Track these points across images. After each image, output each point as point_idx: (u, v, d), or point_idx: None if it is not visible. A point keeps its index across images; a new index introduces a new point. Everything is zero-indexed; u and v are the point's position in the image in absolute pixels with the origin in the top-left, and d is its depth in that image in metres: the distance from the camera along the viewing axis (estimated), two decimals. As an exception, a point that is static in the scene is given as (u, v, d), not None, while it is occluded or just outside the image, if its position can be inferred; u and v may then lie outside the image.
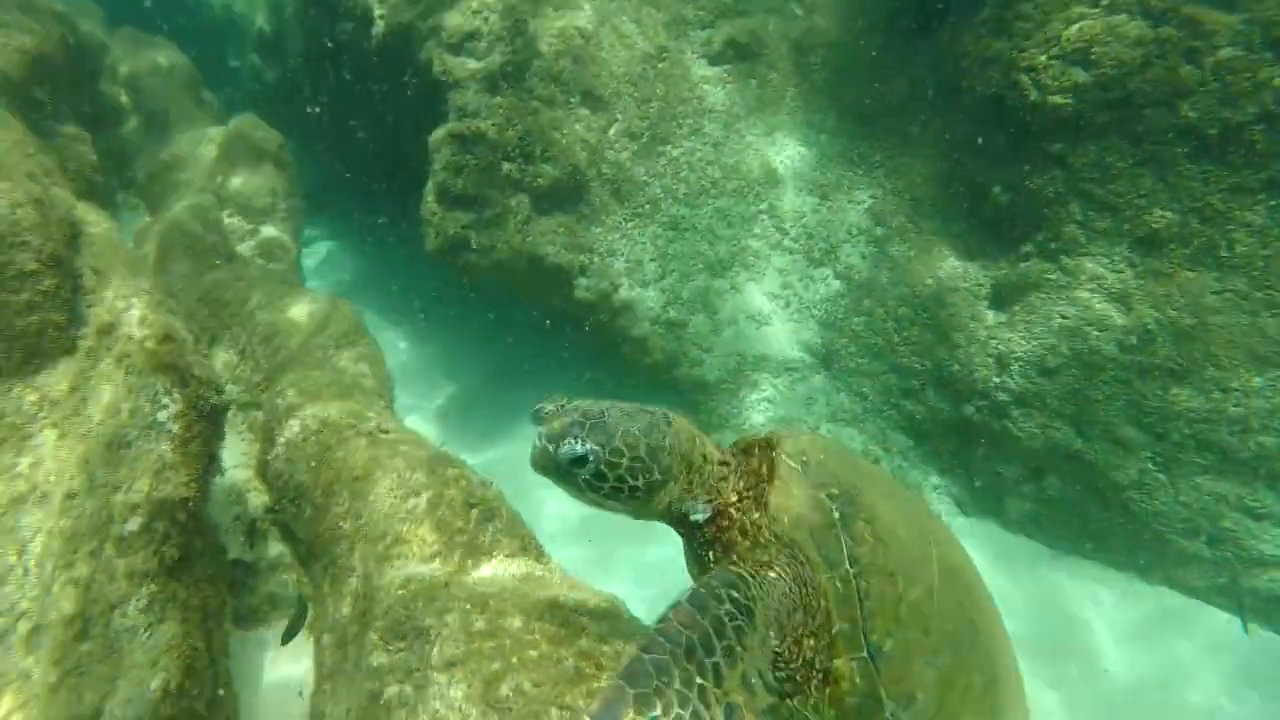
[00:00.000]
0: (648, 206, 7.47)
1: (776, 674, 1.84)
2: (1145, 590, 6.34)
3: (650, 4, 7.69)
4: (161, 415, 2.75)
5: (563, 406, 2.02)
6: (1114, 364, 6.13)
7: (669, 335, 7.43)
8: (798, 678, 1.87)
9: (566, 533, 6.61)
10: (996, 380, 6.66)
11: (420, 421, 7.39)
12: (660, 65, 7.53)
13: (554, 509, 6.66)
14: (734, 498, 2.07)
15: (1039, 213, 6.35)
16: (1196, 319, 5.84)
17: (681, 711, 1.49)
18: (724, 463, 2.12)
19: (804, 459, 2.06)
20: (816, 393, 7.52)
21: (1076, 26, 5.87)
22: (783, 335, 7.61)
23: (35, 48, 5.13)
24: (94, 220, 4.12)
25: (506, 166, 6.73)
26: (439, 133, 6.75)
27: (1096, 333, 6.17)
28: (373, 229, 9.63)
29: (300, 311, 4.82)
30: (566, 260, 6.99)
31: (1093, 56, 5.78)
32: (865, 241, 7.56)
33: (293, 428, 3.76)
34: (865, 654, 1.86)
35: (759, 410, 7.45)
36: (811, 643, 1.88)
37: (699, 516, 2.05)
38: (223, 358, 4.87)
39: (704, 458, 2.07)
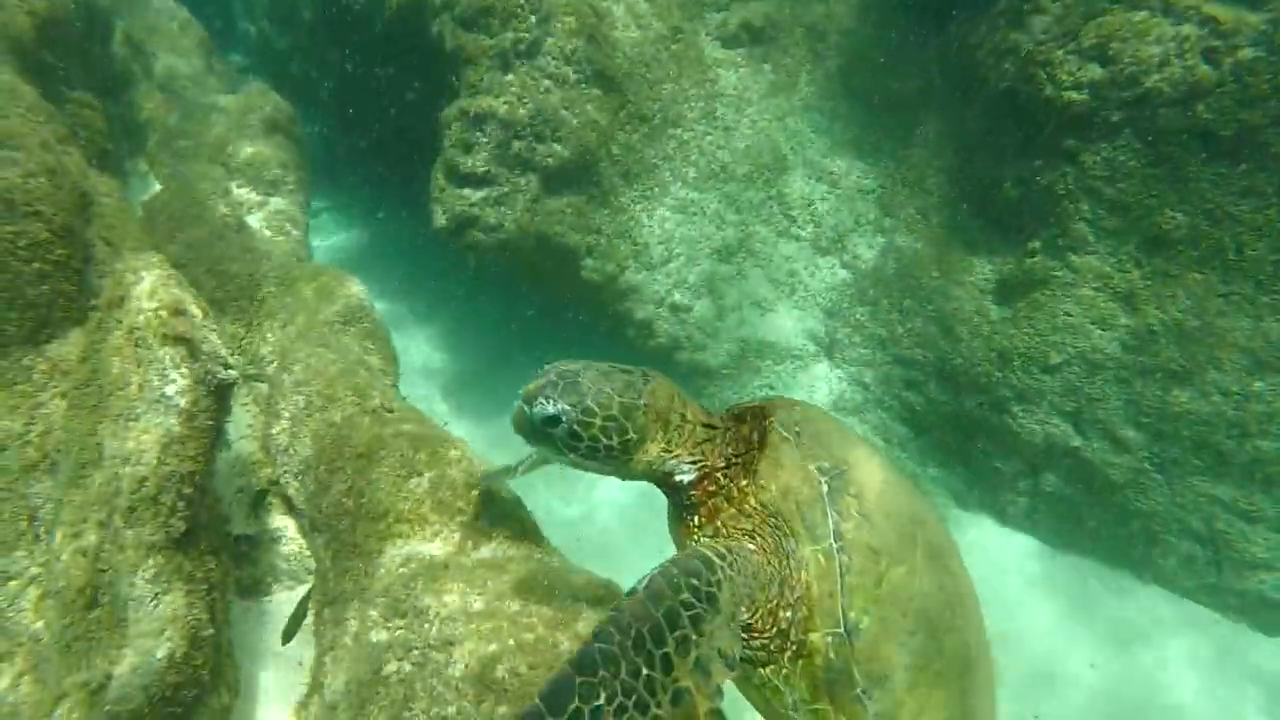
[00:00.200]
0: (656, 189, 7.46)
1: (750, 644, 1.86)
2: (1137, 588, 6.40)
3: (666, -17, 7.61)
4: (169, 389, 2.79)
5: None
6: (1116, 363, 6.14)
7: (673, 319, 7.45)
8: (771, 647, 1.88)
9: (566, 517, 6.69)
10: (998, 375, 6.67)
11: (423, 398, 7.44)
12: (674, 47, 7.47)
13: (553, 491, 6.73)
14: (721, 462, 2.05)
15: (1048, 209, 6.32)
16: (1201, 321, 5.84)
17: (625, 701, 1.54)
18: (709, 425, 2.10)
19: (797, 430, 2.05)
20: (818, 381, 7.55)
21: (1096, 21, 5.81)
22: (787, 323, 7.63)
23: (45, 10, 5.11)
24: (105, 190, 4.14)
25: (517, 145, 6.71)
26: (450, 109, 6.72)
27: (1100, 331, 6.18)
28: (380, 202, 9.62)
29: (307, 287, 4.85)
30: (574, 241, 6.98)
31: (1110, 52, 5.73)
32: (873, 231, 7.54)
33: (297, 403, 3.80)
34: (841, 630, 1.85)
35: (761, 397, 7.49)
36: (788, 615, 1.88)
37: (684, 477, 2.04)
38: (229, 329, 4.90)
39: (683, 417, 2.05)
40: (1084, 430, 6.36)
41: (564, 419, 1.90)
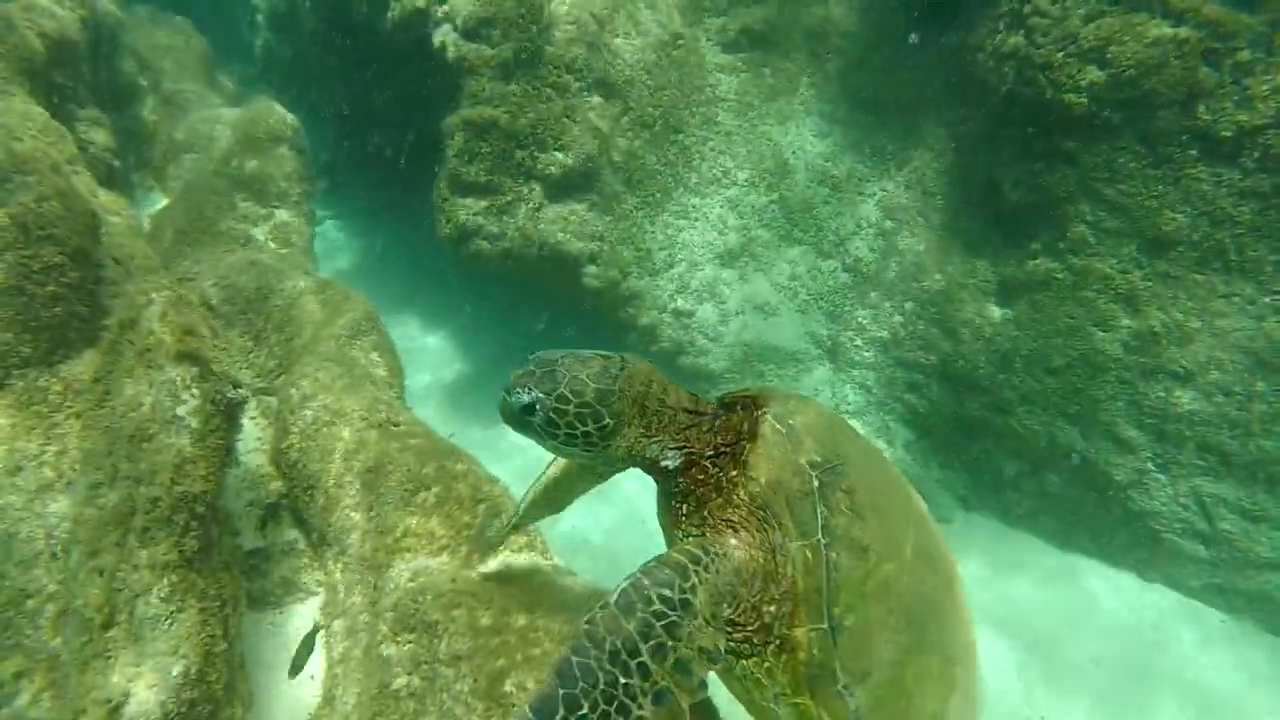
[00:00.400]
0: (658, 195, 7.50)
1: (733, 637, 1.86)
2: (1141, 588, 6.43)
3: (665, -10, 7.65)
4: (181, 410, 2.85)
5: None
6: (1118, 365, 6.16)
7: (676, 324, 7.49)
8: (754, 640, 1.88)
9: (570, 529, 6.73)
10: (1001, 377, 6.70)
11: (426, 406, 7.50)
12: (675, 53, 7.51)
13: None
14: (709, 451, 2.03)
15: (1049, 211, 6.35)
16: (1202, 322, 5.86)
17: (607, 708, 1.62)
18: (692, 411, 2.07)
19: (790, 423, 2.01)
20: (821, 384, 7.58)
21: (1095, 24, 5.82)
22: (789, 327, 7.66)
23: (56, 31, 5.18)
24: (114, 209, 4.21)
25: (519, 154, 6.77)
26: (452, 119, 6.78)
27: (1101, 333, 6.20)
28: (384, 210, 9.69)
29: (313, 300, 4.91)
30: (576, 248, 7.03)
31: (1110, 55, 5.74)
32: (874, 235, 7.57)
33: (306, 418, 3.86)
34: (826, 626, 1.84)
35: (764, 400, 7.53)
36: (772, 609, 1.87)
37: (669, 463, 2.02)
38: (238, 343, 4.97)
39: (662, 402, 2.02)
40: (1086, 431, 6.38)
41: (539, 407, 1.91)
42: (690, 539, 1.98)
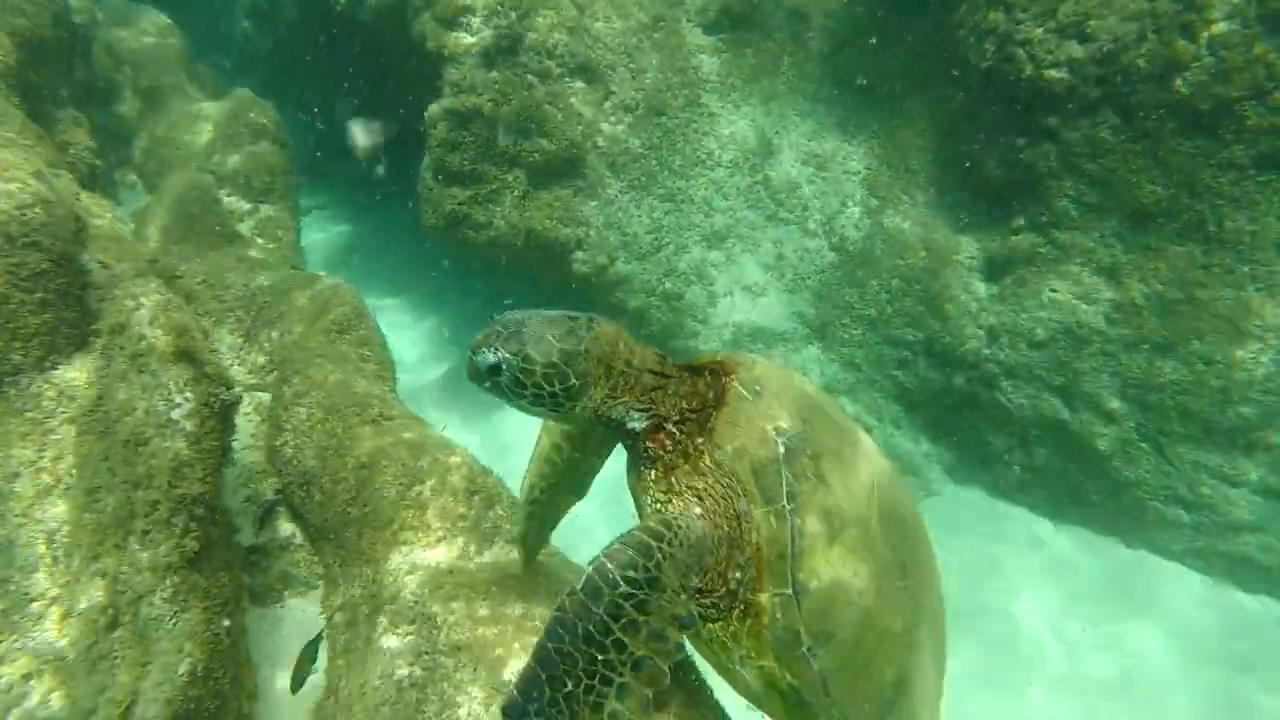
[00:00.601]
0: (643, 179, 7.50)
1: (701, 603, 1.88)
2: (1127, 554, 6.57)
3: (646, -29, 7.60)
4: (175, 414, 2.89)
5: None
6: (1101, 337, 6.25)
7: (665, 307, 7.53)
8: (720, 606, 1.90)
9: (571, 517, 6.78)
10: (987, 352, 6.79)
11: (418, 395, 7.54)
12: (655, 35, 7.48)
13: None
14: (675, 415, 2.02)
15: (1032, 187, 6.40)
16: (1183, 293, 5.95)
17: (590, 682, 1.69)
18: (658, 373, 2.05)
19: (757, 388, 2.01)
20: (810, 363, 7.65)
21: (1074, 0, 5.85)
22: (777, 307, 7.72)
23: (27, 30, 5.13)
24: (98, 211, 4.21)
25: (502, 142, 6.76)
26: (434, 108, 6.76)
27: (1085, 306, 6.29)
28: (368, 199, 9.65)
29: (302, 295, 4.92)
30: (563, 234, 7.05)
31: (1089, 30, 5.77)
32: (860, 213, 7.61)
33: (299, 415, 3.89)
34: (790, 591, 1.85)
35: (754, 381, 7.60)
36: (738, 575, 1.88)
37: (634, 425, 2.01)
38: (228, 340, 4.98)
39: (628, 363, 2.00)
40: (1072, 403, 6.49)
41: (505, 367, 1.91)
42: (654, 512, 1.99)
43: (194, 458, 2.83)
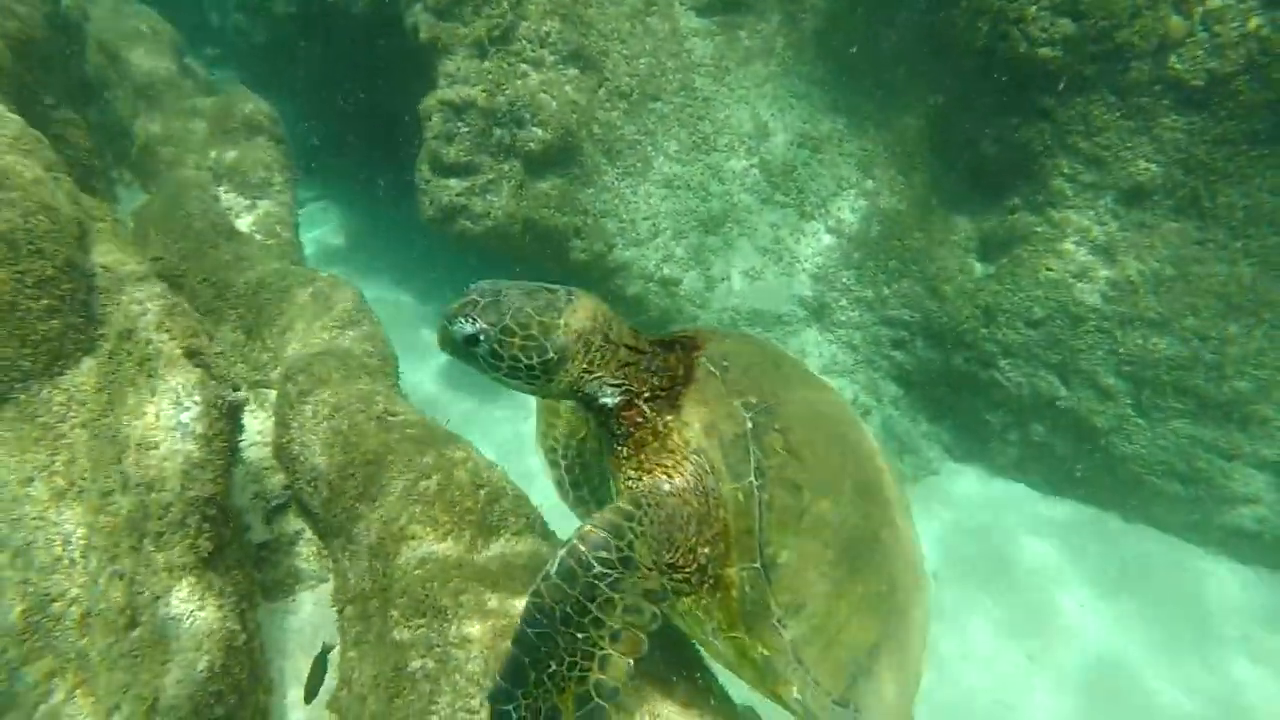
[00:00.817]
0: (639, 165, 7.51)
1: (673, 578, 1.92)
2: (1125, 529, 6.66)
3: (637, -45, 7.55)
4: (184, 417, 2.94)
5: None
6: (1097, 315, 6.30)
7: (663, 293, 7.57)
8: (692, 580, 1.94)
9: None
10: (984, 331, 6.83)
11: (420, 387, 7.60)
12: (648, 20, 7.45)
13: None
14: (646, 391, 2.03)
15: (1027, 166, 6.41)
16: (1177, 269, 5.99)
17: (573, 659, 1.76)
18: (634, 349, 2.05)
19: (725, 364, 2.02)
20: (808, 346, 7.70)
21: (1066, -25, 5.81)
22: (775, 290, 7.75)
23: (19, 30, 5.12)
24: (98, 213, 4.23)
25: (498, 132, 6.76)
26: (429, 100, 6.75)
27: (1080, 284, 6.32)
28: (365, 190, 9.65)
29: (303, 292, 4.96)
30: (561, 223, 7.07)
31: (1082, 7, 5.76)
32: (856, 195, 7.62)
33: (305, 412, 3.95)
34: (758, 564, 1.88)
35: (753, 365, 7.65)
36: (707, 550, 1.92)
37: (607, 400, 2.02)
38: (231, 338, 5.03)
39: (605, 338, 2.00)
40: (1068, 381, 6.55)
41: (483, 338, 1.90)
42: (626, 490, 2.02)
43: (204, 460, 2.89)
